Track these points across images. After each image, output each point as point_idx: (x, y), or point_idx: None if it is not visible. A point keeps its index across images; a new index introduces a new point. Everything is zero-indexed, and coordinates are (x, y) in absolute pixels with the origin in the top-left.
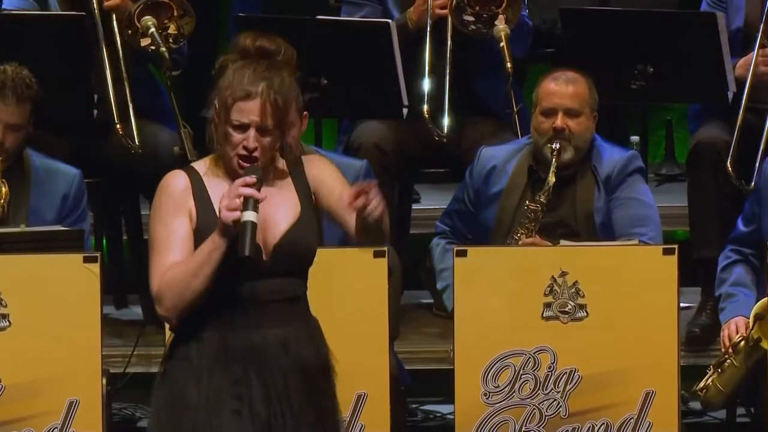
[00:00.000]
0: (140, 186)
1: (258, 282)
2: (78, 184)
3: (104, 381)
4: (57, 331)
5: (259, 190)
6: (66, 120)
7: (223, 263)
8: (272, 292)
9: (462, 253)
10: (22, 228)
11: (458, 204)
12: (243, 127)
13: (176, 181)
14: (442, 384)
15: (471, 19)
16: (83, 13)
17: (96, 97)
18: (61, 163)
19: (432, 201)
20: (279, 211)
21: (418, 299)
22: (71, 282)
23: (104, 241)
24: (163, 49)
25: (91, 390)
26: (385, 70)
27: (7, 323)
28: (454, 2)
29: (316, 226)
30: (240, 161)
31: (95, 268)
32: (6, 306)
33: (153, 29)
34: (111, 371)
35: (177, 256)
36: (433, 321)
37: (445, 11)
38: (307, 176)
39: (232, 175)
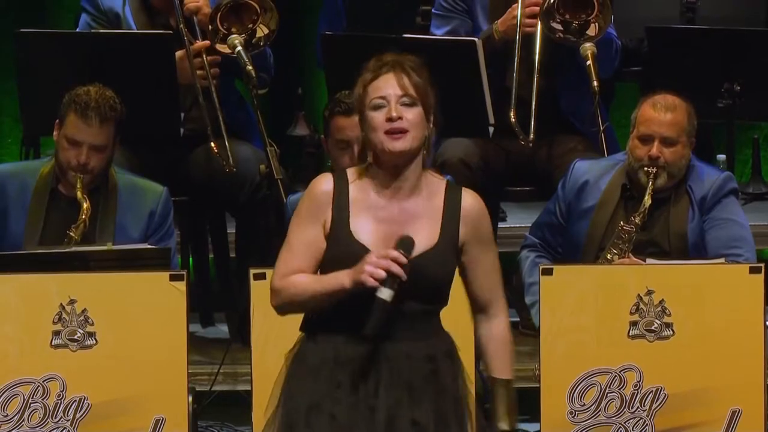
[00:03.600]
0: (225, 204)
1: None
2: (164, 202)
3: (190, 399)
4: (143, 350)
5: (408, 261)
6: (153, 137)
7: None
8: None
9: (548, 272)
10: (109, 246)
11: (549, 216)
12: (382, 105)
13: (321, 185)
14: (528, 402)
15: (559, 27)
16: (170, 32)
17: (183, 114)
18: (147, 180)
19: (518, 219)
20: (416, 230)
21: None
22: (157, 300)
23: (190, 259)
24: (250, 67)
25: (177, 408)
26: (470, 89)
27: (94, 341)
28: (545, 6)
29: (450, 262)
30: (389, 136)
31: (181, 286)
32: (93, 324)
33: (240, 47)
34: (197, 389)
35: (300, 263)
36: (519, 339)
37: (534, 28)
38: (461, 218)
39: (378, 184)
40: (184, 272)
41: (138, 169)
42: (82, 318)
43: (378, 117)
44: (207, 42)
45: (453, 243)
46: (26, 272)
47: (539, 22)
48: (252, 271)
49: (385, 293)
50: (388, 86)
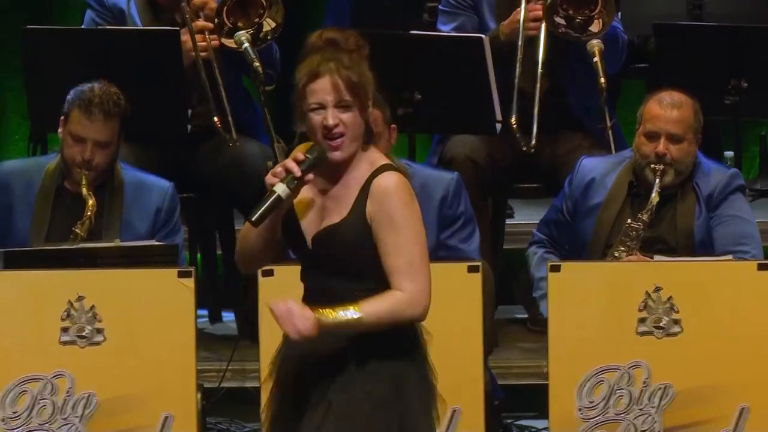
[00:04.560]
0: (233, 200)
1: (311, 270)
2: (171, 198)
3: (199, 396)
4: (151, 346)
5: (306, 172)
6: (160, 134)
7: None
8: (321, 284)
9: (556, 269)
10: (116, 243)
11: (556, 213)
12: (320, 108)
13: None
14: (536, 399)
15: (562, 22)
16: (177, 28)
17: (190, 111)
18: (154, 177)
19: (525, 216)
20: (334, 206)
21: (512, 314)
22: (165, 297)
23: (198, 255)
24: (257, 64)
25: (186, 405)
26: (478, 85)
27: (102, 338)
28: (548, 2)
29: (360, 237)
30: (327, 142)
31: (190, 282)
32: (101, 321)
33: (247, 44)
34: (205, 386)
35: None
36: (527, 336)
37: (536, 31)
38: (369, 194)
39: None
40: (192, 269)
41: (145, 166)
42: (90, 314)
43: (316, 120)
44: (209, 24)
45: (362, 218)
46: (33, 269)
47: (543, 24)
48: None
49: (279, 188)
50: (324, 92)
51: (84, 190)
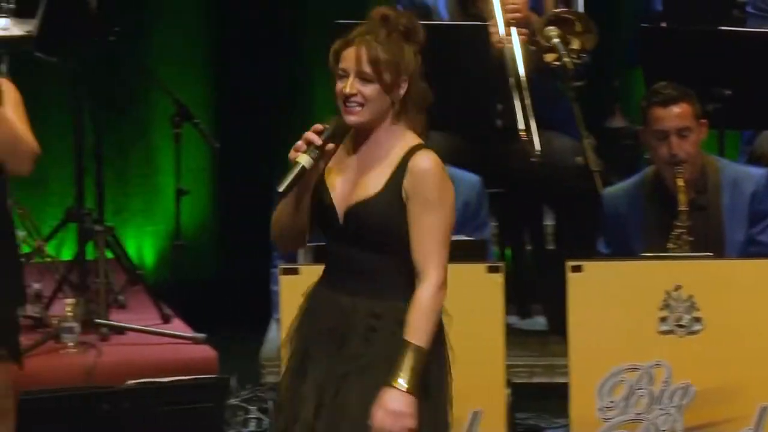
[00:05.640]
0: (542, 195)
1: (339, 246)
2: (479, 192)
3: (508, 391)
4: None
5: (326, 141)
6: (469, 128)
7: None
8: (348, 259)
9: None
10: None
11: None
12: (345, 76)
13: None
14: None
15: None
16: (484, 23)
17: (500, 107)
18: (461, 171)
19: None
20: (367, 181)
21: None
22: (474, 291)
23: (507, 250)
24: (567, 59)
25: (495, 400)
26: None
27: None
28: None
29: (393, 212)
30: (344, 108)
31: (499, 277)
32: None
33: (557, 40)
34: (514, 381)
35: None
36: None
37: None
38: (407, 171)
39: (350, 139)
40: (502, 264)
41: (453, 160)
42: None
43: (339, 87)
44: (519, 15)
45: (397, 195)
46: None
47: None
48: (569, 264)
49: (303, 158)
50: (350, 60)
51: None
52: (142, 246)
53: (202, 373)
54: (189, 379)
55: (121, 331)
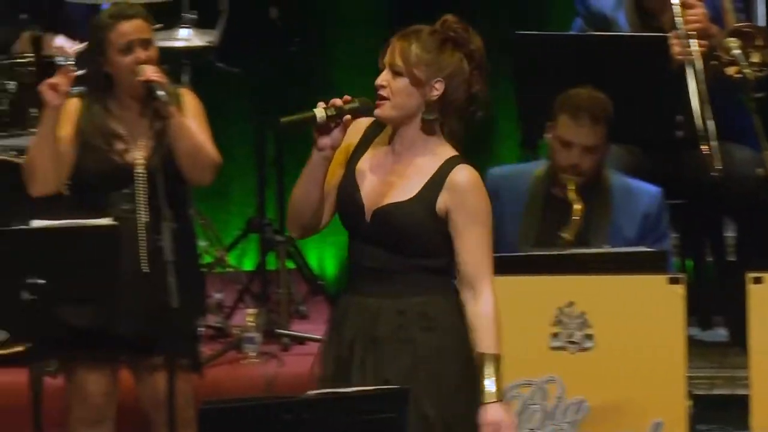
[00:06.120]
0: (723, 206)
1: (362, 246)
2: (659, 204)
3: (689, 403)
4: (641, 352)
5: (346, 111)
6: (649, 139)
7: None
8: (372, 259)
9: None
10: (605, 249)
11: None
12: (383, 67)
13: (362, 121)
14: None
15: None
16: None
17: (680, 118)
18: (641, 182)
19: None
20: (399, 185)
21: None
22: (655, 303)
23: (688, 261)
24: (748, 70)
25: (676, 411)
26: None
27: (592, 344)
28: None
29: (421, 219)
30: (376, 102)
31: (680, 289)
32: (591, 326)
33: (738, 51)
34: (695, 393)
35: None
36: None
37: None
38: (445, 185)
39: (387, 135)
40: (683, 275)
41: (633, 171)
42: (581, 320)
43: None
44: (699, 25)
45: (430, 205)
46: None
47: None
48: (750, 275)
49: (318, 111)
50: (389, 54)
51: (571, 195)
52: (324, 256)
53: None
54: (371, 390)
55: (302, 341)
